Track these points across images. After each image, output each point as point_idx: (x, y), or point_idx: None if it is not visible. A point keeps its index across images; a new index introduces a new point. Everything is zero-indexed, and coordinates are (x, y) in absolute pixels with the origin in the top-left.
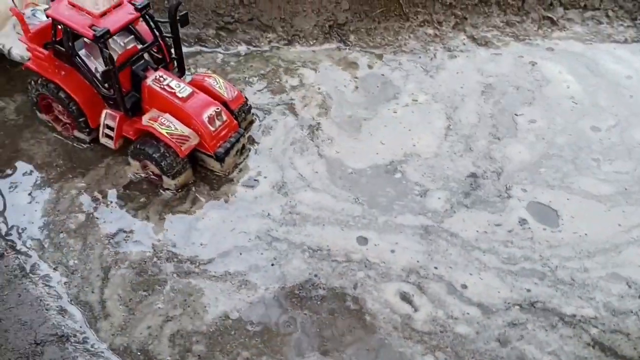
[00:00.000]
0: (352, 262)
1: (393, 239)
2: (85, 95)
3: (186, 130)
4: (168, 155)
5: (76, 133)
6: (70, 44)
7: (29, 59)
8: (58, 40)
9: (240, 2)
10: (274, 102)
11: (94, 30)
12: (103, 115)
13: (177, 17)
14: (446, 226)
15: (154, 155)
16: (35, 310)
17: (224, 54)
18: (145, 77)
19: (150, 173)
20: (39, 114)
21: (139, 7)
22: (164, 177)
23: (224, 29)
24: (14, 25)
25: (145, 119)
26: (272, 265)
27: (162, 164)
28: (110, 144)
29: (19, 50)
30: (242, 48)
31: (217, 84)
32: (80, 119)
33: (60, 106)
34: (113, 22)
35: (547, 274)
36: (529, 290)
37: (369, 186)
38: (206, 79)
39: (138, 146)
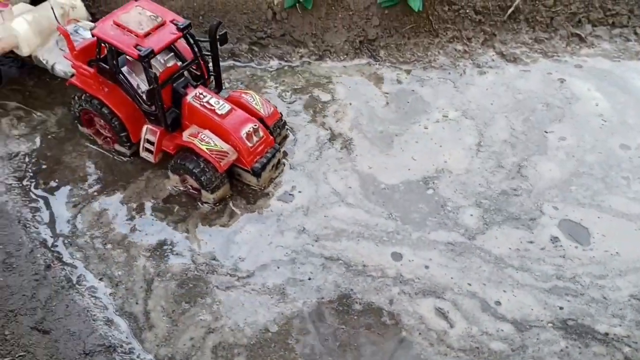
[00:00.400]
0: (387, 278)
1: (427, 255)
2: (127, 111)
3: (225, 146)
4: (207, 170)
5: (117, 146)
6: (114, 62)
7: (72, 75)
8: (102, 58)
9: (272, 18)
10: (307, 117)
11: (139, 50)
12: (144, 130)
13: (217, 36)
14: (479, 243)
15: (194, 170)
16: (83, 321)
17: (257, 68)
18: (186, 94)
19: (189, 187)
20: (80, 127)
21: (181, 26)
22: (203, 191)
23: (257, 44)
24: (57, 41)
25: (185, 135)
26: (309, 279)
27: (202, 178)
28: (150, 158)
29: (62, 66)
30: (274, 63)
31: (254, 100)
32: (122, 134)
33: (102, 121)
34: (157, 41)
35: (580, 292)
36: (561, 308)
37: (402, 202)
38: (243, 95)
39: (179, 161)
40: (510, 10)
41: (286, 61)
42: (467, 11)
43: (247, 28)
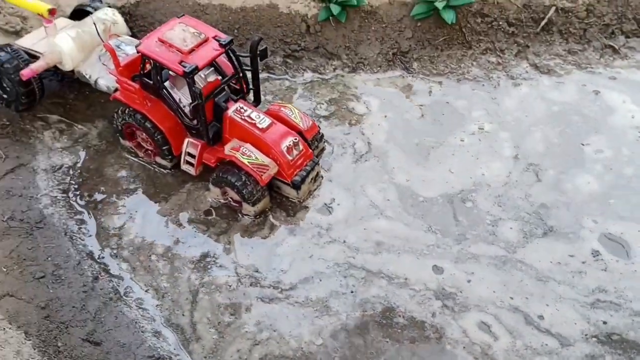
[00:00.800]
0: (429, 291)
1: (468, 268)
2: (169, 124)
3: (266, 160)
4: (249, 183)
5: (158, 159)
6: (158, 77)
7: (116, 90)
8: (146, 73)
9: (306, 30)
10: (343, 130)
11: (184, 67)
12: (185, 143)
13: (258, 52)
14: (520, 256)
15: (236, 183)
16: (132, 333)
17: (291, 81)
18: (227, 109)
19: (230, 199)
20: (122, 140)
21: (224, 43)
22: (244, 204)
23: (291, 56)
24: (99, 56)
25: (227, 149)
26: (352, 292)
27: (244, 191)
28: (191, 170)
29: (105, 80)
30: (308, 75)
31: (293, 114)
32: (164, 147)
33: (144, 134)
34: (200, 58)
35: (623, 306)
36: (605, 323)
37: (440, 215)
38: (282, 109)
39: (220, 174)
40: (543, 22)
41: (320, 74)
42: (500, 23)
43: (281, 41)
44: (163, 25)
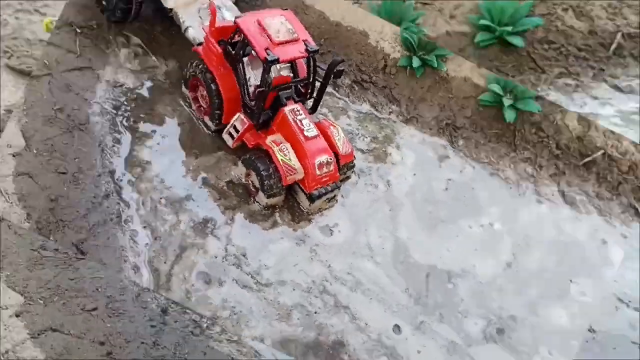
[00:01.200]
0: (382, 346)
1: (423, 341)
2: (230, 95)
3: (297, 165)
4: (273, 177)
5: (206, 119)
6: (241, 52)
7: (200, 44)
8: (232, 42)
9: (382, 68)
10: (373, 168)
11: (267, 54)
12: (235, 117)
13: (334, 71)
14: (472, 352)
15: (262, 172)
16: (115, 257)
17: (348, 105)
18: (285, 105)
19: (251, 183)
20: (183, 88)
21: (310, 49)
22: (260, 193)
23: (359, 84)
24: (199, 9)
25: (269, 139)
26: (315, 313)
27: (265, 182)
28: (229, 142)
29: (195, 32)
30: (365, 107)
31: (338, 135)
32: (217, 112)
33: (205, 92)
34: (285, 53)
35: None
36: None
37: (421, 283)
38: (331, 127)
39: (252, 158)
40: (612, 47)
41: (376, 110)
42: (569, 49)
43: (357, 67)
44: (266, 10)
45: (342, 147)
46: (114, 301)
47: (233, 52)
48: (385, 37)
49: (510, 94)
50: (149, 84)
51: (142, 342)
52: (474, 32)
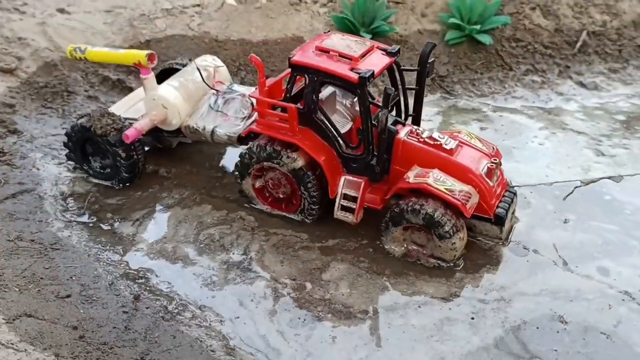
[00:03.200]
0: None
1: None
2: (326, 158)
3: (465, 186)
4: (448, 216)
5: (290, 209)
6: (314, 97)
7: (238, 135)
8: (293, 94)
9: None
10: None
11: (359, 73)
12: (340, 184)
13: (427, 64)
14: None
15: (435, 216)
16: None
17: None
18: (397, 132)
19: (414, 246)
20: (243, 185)
21: (392, 51)
22: (442, 243)
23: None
24: (209, 105)
25: (411, 177)
26: None
27: (445, 226)
28: (349, 218)
29: (224, 129)
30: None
31: (471, 138)
32: (314, 192)
33: (286, 174)
34: (373, 65)
35: None
36: None
37: None
38: (457, 135)
39: (403, 209)
40: (578, 45)
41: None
42: (536, 46)
43: None
44: (312, 39)
45: (486, 147)
46: (87, 288)
47: (314, 99)
48: (319, 31)
49: (470, 21)
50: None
51: (114, 327)
52: (444, 30)
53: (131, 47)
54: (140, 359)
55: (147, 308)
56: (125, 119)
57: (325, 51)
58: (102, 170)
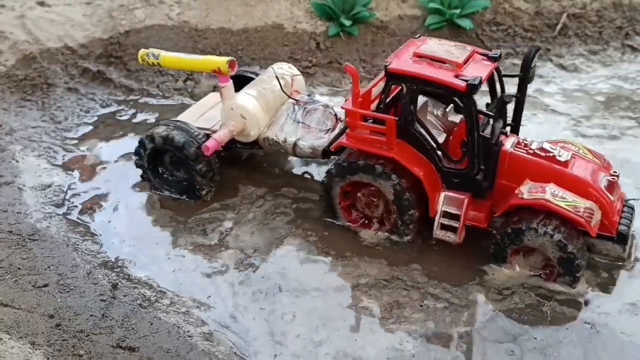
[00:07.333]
0: None
1: None
2: (427, 174)
3: (586, 202)
4: (572, 235)
5: (382, 228)
6: (412, 107)
7: (322, 148)
8: (387, 104)
9: (316, 47)
10: None
11: (467, 81)
12: (441, 200)
13: (532, 67)
14: None
15: (561, 237)
16: None
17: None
18: (502, 144)
19: (541, 267)
20: (337, 206)
21: (494, 56)
22: (568, 268)
23: (304, 73)
24: (287, 114)
25: (524, 192)
26: None
27: (569, 247)
28: (451, 237)
29: (307, 141)
30: (324, 90)
31: (579, 149)
32: (410, 211)
33: (380, 191)
34: (478, 71)
35: None
36: None
37: None
38: (565, 144)
39: (523, 227)
40: (558, 27)
41: (335, 87)
42: (516, 30)
43: (290, 58)
44: (402, 47)
45: (598, 158)
46: (65, 278)
47: (411, 110)
48: (299, 18)
49: (450, 5)
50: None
51: (91, 315)
52: (425, 15)
53: (111, 37)
54: (117, 345)
55: (124, 296)
56: (199, 129)
57: (424, 57)
58: (174, 183)
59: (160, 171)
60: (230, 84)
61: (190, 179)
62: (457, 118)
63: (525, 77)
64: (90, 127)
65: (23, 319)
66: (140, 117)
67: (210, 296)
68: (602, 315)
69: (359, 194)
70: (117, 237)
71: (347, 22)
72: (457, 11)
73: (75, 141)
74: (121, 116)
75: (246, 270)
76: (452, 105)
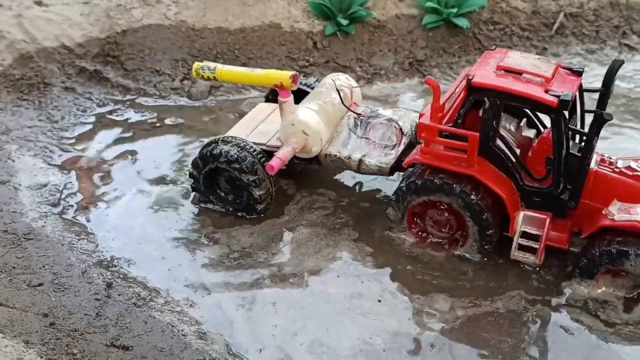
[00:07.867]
0: None
1: None
2: (508, 191)
3: None
4: None
5: (455, 249)
6: (494, 123)
7: (391, 167)
8: (463, 121)
9: (313, 46)
10: None
11: (556, 96)
12: (519, 220)
13: (613, 82)
14: None
15: None
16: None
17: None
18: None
19: (632, 287)
20: (403, 226)
21: (579, 71)
22: None
23: (301, 72)
24: (349, 128)
25: (614, 213)
26: None
27: None
28: (530, 259)
29: (373, 158)
30: None
31: None
32: (489, 231)
33: (456, 211)
34: (567, 86)
35: None
36: None
37: None
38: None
39: (618, 248)
40: (555, 26)
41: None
42: (513, 29)
43: (287, 58)
44: (482, 60)
45: None
46: (60, 277)
47: (494, 126)
48: (296, 18)
49: (447, 5)
50: None
51: (85, 314)
52: (422, 14)
53: (108, 37)
54: (111, 344)
55: (119, 295)
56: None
57: (510, 71)
58: (231, 201)
59: (216, 189)
60: (291, 98)
61: (249, 196)
62: (530, 133)
63: (607, 91)
64: (87, 127)
65: (17, 318)
66: (137, 117)
67: (203, 296)
68: None
69: (429, 215)
70: (112, 237)
71: (344, 22)
72: (454, 10)
73: (72, 141)
74: (118, 116)
75: (239, 268)
76: (525, 119)
